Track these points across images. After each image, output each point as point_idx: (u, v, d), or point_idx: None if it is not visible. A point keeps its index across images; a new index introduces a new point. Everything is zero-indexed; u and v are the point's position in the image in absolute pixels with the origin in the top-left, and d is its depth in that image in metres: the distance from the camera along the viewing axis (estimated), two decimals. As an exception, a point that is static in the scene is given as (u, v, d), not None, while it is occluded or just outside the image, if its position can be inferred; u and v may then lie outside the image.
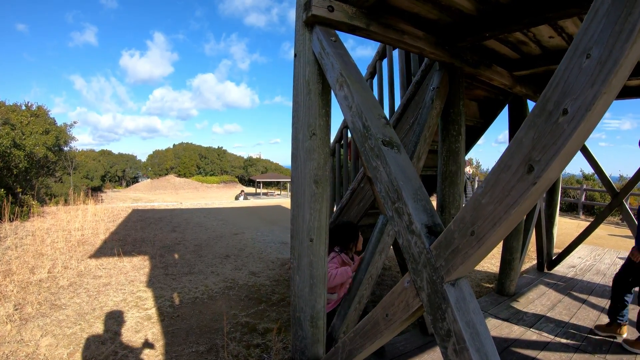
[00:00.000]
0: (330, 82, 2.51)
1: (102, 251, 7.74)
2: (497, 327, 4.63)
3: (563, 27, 3.48)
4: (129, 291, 5.63)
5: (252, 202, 18.53)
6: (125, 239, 8.77)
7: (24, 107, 15.94)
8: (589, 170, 19.82)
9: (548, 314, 5.05)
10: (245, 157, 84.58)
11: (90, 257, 7.35)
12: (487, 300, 5.58)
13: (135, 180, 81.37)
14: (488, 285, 6.71)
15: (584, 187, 17.15)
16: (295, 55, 2.85)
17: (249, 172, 76.66)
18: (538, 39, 3.77)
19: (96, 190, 58.52)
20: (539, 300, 5.64)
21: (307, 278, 2.79)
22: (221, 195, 52.40)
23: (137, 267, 6.80)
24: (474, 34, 3.31)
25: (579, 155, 5.43)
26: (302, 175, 2.77)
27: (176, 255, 7.57)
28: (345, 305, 3.28)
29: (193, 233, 9.72)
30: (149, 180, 76.05)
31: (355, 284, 3.32)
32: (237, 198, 18.39)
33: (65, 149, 20.73)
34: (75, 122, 22.65)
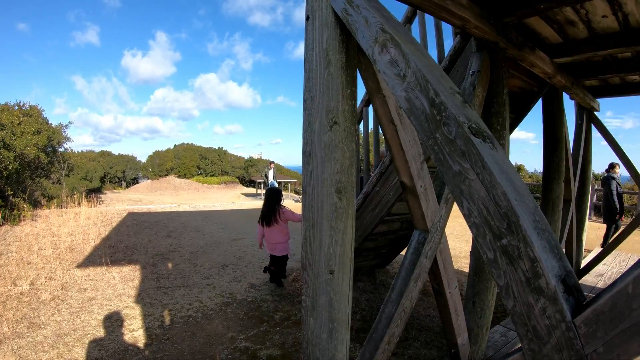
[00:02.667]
0: (363, 46, 1.83)
1: (91, 260, 7.19)
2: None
3: (622, 3, 2.91)
4: (115, 308, 5.08)
5: (253, 204, 17.91)
6: (116, 246, 8.21)
7: (16, 108, 15.41)
8: (597, 169, 19.18)
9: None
10: (246, 158, 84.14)
11: (78, 266, 6.81)
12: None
13: (135, 181, 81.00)
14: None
15: (595, 187, 16.44)
16: (307, 18, 2.14)
17: (250, 173, 76.01)
18: (589, 17, 3.19)
19: (95, 191, 58.19)
20: (570, 316, 5.06)
21: (325, 321, 2.12)
22: (222, 197, 51.83)
23: (127, 278, 6.25)
24: (527, 5, 2.71)
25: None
26: (318, 182, 2.07)
27: (170, 265, 7.01)
28: (370, 346, 2.64)
29: (189, 239, 9.15)
30: (149, 181, 75.67)
31: (383, 320, 2.66)
32: (266, 175, 17.80)
33: (60, 149, 20.12)
34: (71, 122, 22.05)
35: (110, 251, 7.77)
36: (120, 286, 5.89)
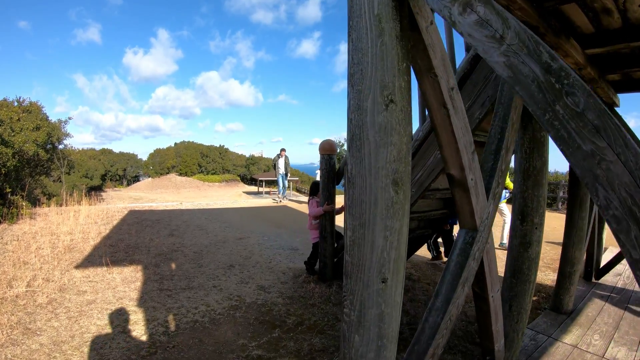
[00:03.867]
0: (435, 7, 1.53)
1: (91, 260, 6.86)
2: (569, 356, 3.90)
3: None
4: (116, 312, 4.76)
5: (256, 202, 17.57)
6: (117, 245, 7.88)
7: (16, 104, 15.08)
8: None
9: (615, 336, 4.33)
10: (247, 156, 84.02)
11: (77, 267, 6.49)
12: (546, 322, 4.77)
13: (136, 179, 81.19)
14: (533, 297, 5.85)
15: (563, 182, 16.42)
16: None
17: (251, 171, 76.12)
18: (627, 6, 2.86)
19: (96, 189, 58.07)
20: (600, 317, 4.88)
21: (373, 338, 1.78)
22: (223, 195, 51.70)
23: (128, 279, 5.93)
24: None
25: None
26: (371, 172, 1.73)
27: (173, 265, 6.68)
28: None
29: (193, 237, 8.82)
30: (150, 179, 75.74)
31: (427, 330, 2.31)
32: (274, 166, 17.31)
33: (60, 146, 19.82)
34: (70, 118, 21.70)
35: (110, 251, 7.44)
36: (121, 288, 5.57)
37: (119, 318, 4.58)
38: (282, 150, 18.05)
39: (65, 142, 21.06)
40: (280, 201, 16.99)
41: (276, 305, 5.08)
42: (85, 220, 10.42)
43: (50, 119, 18.39)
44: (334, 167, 5.83)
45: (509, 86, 2.08)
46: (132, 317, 4.61)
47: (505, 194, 8.59)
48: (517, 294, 3.31)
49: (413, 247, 6.08)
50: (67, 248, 7.51)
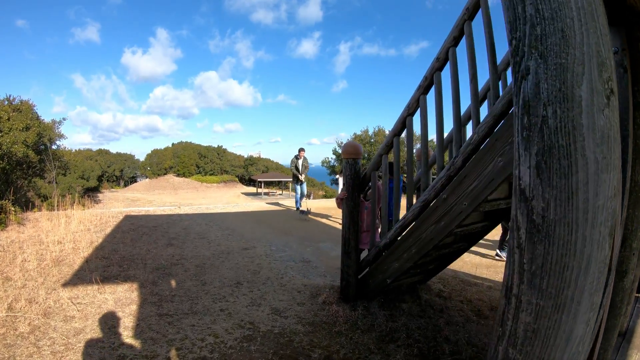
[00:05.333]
0: None
1: (80, 276, 6.14)
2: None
3: None
4: (108, 345, 4.05)
5: (257, 205, 16.86)
6: (110, 257, 7.15)
7: (6, 102, 14.39)
8: None
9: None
10: (246, 156, 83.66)
11: (65, 284, 5.77)
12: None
13: (133, 180, 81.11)
14: None
15: None
16: None
17: (250, 172, 75.99)
18: None
19: (93, 190, 57.55)
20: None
21: None
22: (222, 196, 51.24)
23: (122, 301, 5.21)
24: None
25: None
26: (586, 216, 1.03)
27: (173, 282, 5.96)
28: None
29: (194, 248, 8.09)
30: (147, 180, 75.57)
31: None
32: (296, 167, 14.81)
33: (53, 147, 19.10)
34: (64, 119, 20.96)
35: (103, 264, 6.73)
36: (113, 313, 4.86)
37: (112, 354, 3.87)
38: (301, 150, 15.25)
39: (58, 142, 20.38)
40: (308, 212, 13.67)
41: (297, 335, 4.37)
42: (77, 226, 9.71)
43: (43, 119, 17.79)
44: (359, 173, 5.12)
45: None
46: (128, 353, 3.89)
47: None
48: (607, 329, 2.68)
49: (445, 262, 5.39)
50: (55, 261, 6.79)
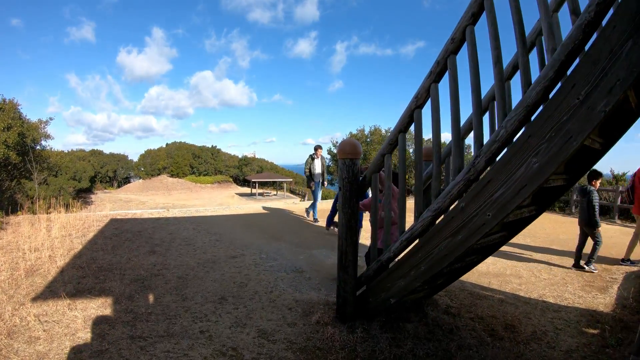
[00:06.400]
0: None
1: (53, 288, 5.54)
2: None
3: None
4: (70, 377, 3.45)
5: (250, 207, 16.20)
6: (87, 266, 6.53)
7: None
8: (619, 169, 18.05)
9: None
10: (240, 157, 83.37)
11: (34, 298, 5.18)
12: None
13: (127, 180, 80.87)
14: (592, 331, 4.98)
15: (620, 188, 14.96)
16: None
17: (244, 172, 75.78)
18: None
19: (85, 191, 57.10)
20: None
21: None
22: (216, 196, 50.81)
23: (93, 320, 4.60)
24: None
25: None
26: None
27: (151, 297, 5.34)
28: None
29: (177, 256, 7.46)
30: (140, 180, 75.38)
31: None
32: (310, 170, 11.51)
33: (37, 147, 18.42)
34: (51, 118, 20.16)
35: (78, 275, 6.11)
36: (82, 334, 4.26)
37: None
38: (318, 148, 12.62)
39: (44, 143, 19.68)
40: (316, 219, 12.49)
41: (286, 365, 3.77)
42: (59, 232, 9.08)
43: (29, 118, 17.14)
44: (357, 176, 4.49)
45: None
46: (87, 389, 3.29)
47: (593, 195, 7.74)
48: None
49: (455, 276, 4.79)
50: (29, 270, 6.19)
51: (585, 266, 7.71)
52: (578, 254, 7.94)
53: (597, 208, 7.67)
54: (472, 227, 3.13)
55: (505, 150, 2.97)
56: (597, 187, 7.93)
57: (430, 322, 4.76)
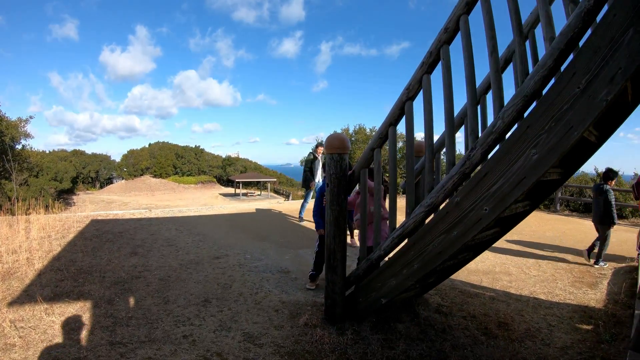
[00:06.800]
0: None
1: (30, 292, 5.33)
2: None
3: None
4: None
5: (234, 207, 15.96)
6: (67, 269, 6.30)
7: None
8: (603, 168, 18.38)
9: None
10: (224, 157, 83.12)
11: (11, 303, 4.97)
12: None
13: (109, 181, 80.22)
14: (586, 327, 4.92)
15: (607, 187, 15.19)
16: None
17: (228, 172, 75.52)
18: None
19: (67, 192, 56.44)
20: None
21: None
22: (199, 197, 50.47)
23: (71, 325, 4.40)
24: None
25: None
26: None
27: (131, 300, 5.14)
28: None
29: (160, 257, 7.25)
30: (123, 181, 74.86)
31: None
32: (310, 169, 10.08)
33: (18, 147, 18.03)
34: (31, 117, 19.77)
35: (56, 278, 5.89)
36: (59, 340, 4.06)
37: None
38: (319, 146, 11.40)
39: (24, 142, 19.27)
40: (302, 219, 12.10)
41: (273, 370, 3.60)
42: (38, 233, 8.82)
43: (8, 117, 16.76)
44: (345, 171, 4.32)
45: None
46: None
47: (609, 194, 8.05)
48: None
49: (447, 274, 4.66)
50: (6, 274, 5.95)
51: (595, 265, 7.90)
52: (599, 252, 8.13)
53: (614, 205, 7.99)
54: (468, 223, 2.99)
55: (503, 142, 2.84)
56: (612, 185, 8.29)
57: (422, 321, 4.62)
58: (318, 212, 5.70)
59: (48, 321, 4.48)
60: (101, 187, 77.28)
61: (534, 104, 2.69)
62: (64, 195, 50.36)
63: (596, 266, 7.80)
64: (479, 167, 3.04)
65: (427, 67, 3.45)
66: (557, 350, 4.29)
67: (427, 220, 3.57)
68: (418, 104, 3.65)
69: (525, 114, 2.74)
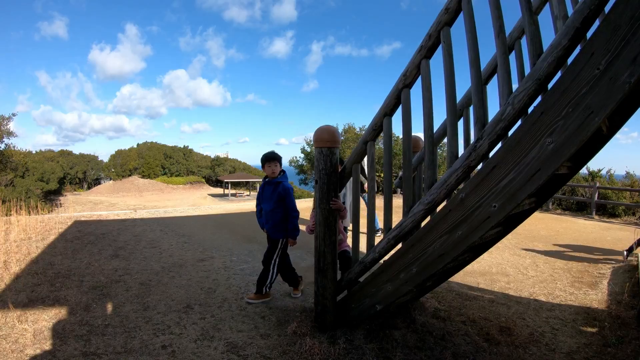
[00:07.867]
0: None
1: (3, 298, 5.01)
2: None
3: None
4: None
5: (222, 207, 15.70)
6: (44, 273, 5.99)
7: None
8: (594, 166, 18.86)
9: None
10: (213, 157, 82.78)
11: (-17, 310, 4.63)
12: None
13: (97, 182, 79.59)
14: (591, 329, 4.69)
15: (597, 185, 15.77)
16: None
17: (217, 172, 75.21)
18: None
19: (54, 193, 55.84)
20: None
21: None
22: (188, 197, 50.12)
23: (44, 334, 4.10)
24: None
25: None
26: None
27: (109, 307, 4.82)
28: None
29: (142, 259, 6.93)
30: (111, 181, 74.35)
31: None
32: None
33: (1, 146, 17.60)
34: (14, 114, 19.31)
35: (33, 282, 5.57)
36: (30, 351, 3.75)
37: None
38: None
39: (7, 141, 18.81)
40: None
41: (259, 385, 3.30)
42: (18, 235, 8.49)
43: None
44: (335, 167, 4.00)
45: None
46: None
47: None
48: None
49: (445, 277, 4.35)
50: (-20, 278, 5.64)
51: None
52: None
53: None
54: (475, 222, 2.72)
55: (514, 130, 2.56)
56: None
57: (419, 328, 4.34)
58: (258, 212, 5.44)
59: (20, 329, 4.18)
60: (89, 187, 76.69)
61: (550, 87, 2.42)
62: (51, 196, 49.78)
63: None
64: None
65: (426, 51, 3.16)
66: (564, 355, 4.05)
67: (426, 220, 3.29)
68: (415, 92, 3.37)
69: (539, 100, 2.48)
